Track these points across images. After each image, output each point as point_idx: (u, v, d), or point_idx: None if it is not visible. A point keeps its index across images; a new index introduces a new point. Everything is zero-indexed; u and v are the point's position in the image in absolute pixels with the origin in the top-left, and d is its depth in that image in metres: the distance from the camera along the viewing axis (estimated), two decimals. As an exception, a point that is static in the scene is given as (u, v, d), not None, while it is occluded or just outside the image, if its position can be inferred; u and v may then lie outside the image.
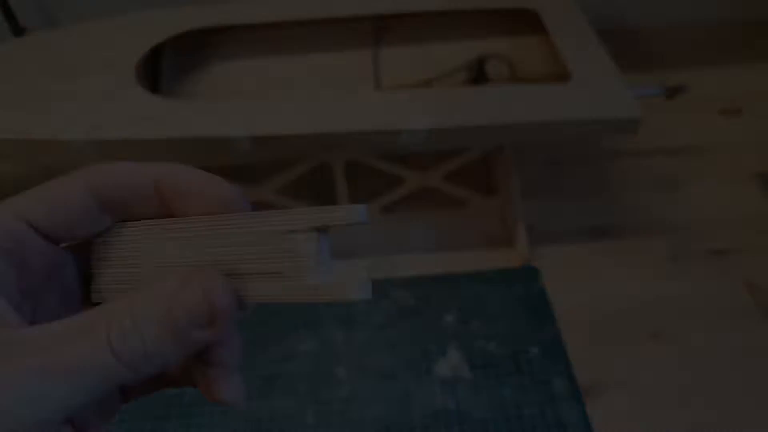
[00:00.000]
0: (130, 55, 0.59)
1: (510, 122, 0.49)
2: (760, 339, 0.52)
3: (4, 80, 0.57)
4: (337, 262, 0.20)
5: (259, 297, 0.20)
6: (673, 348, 0.52)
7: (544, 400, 0.48)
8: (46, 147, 0.51)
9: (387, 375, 0.50)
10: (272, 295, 0.20)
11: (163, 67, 0.67)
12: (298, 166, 0.58)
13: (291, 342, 0.53)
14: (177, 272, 0.19)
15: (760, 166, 0.67)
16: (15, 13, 0.74)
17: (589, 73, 0.54)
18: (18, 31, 0.75)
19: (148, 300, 0.18)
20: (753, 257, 0.58)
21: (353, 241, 0.61)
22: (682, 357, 0.51)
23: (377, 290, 0.26)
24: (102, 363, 0.16)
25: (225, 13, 0.66)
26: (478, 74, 0.65)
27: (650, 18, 0.89)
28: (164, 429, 0.48)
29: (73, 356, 0.16)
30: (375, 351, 0.52)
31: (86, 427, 0.19)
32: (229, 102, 0.60)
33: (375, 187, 0.62)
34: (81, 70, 0.57)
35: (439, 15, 0.69)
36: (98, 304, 0.19)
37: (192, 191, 0.20)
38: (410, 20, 0.70)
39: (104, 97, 0.53)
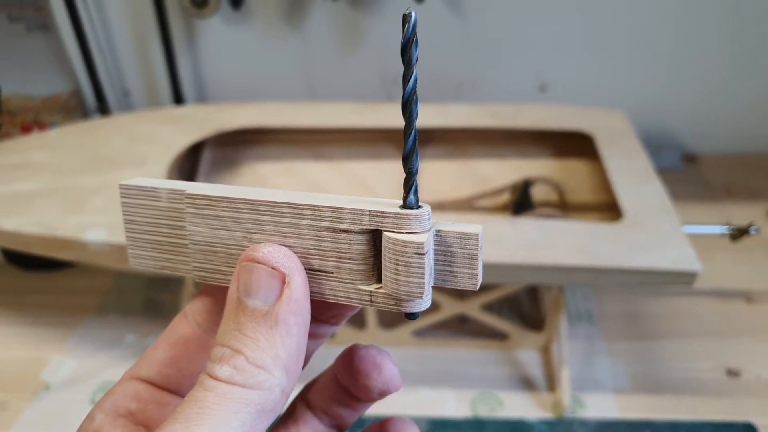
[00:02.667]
0: (166, 151, 0.59)
1: (550, 264, 0.44)
2: None
3: (50, 163, 0.57)
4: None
5: (311, 294, 0.19)
6: None
7: None
8: (67, 245, 0.50)
9: None
10: (320, 294, 0.19)
11: (202, 161, 0.67)
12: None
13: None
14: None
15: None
16: (106, 96, 0.81)
17: (643, 213, 0.49)
18: (104, 110, 0.81)
19: (225, 323, 0.18)
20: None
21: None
22: None
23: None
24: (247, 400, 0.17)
25: (270, 114, 0.66)
26: (523, 198, 0.62)
27: (712, 146, 0.85)
28: None
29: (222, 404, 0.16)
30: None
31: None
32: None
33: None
34: (117, 163, 0.57)
35: (486, 131, 0.67)
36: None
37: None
38: (455, 134, 0.68)
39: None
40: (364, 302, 0.19)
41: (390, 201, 0.18)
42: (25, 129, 0.82)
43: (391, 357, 0.22)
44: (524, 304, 0.61)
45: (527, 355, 0.57)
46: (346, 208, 0.18)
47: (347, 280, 0.19)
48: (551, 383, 0.54)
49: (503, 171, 0.67)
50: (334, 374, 0.23)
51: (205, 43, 0.80)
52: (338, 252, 0.18)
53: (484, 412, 0.52)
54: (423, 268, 0.17)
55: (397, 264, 0.18)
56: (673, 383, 0.54)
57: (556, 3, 0.75)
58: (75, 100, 0.83)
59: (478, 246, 0.18)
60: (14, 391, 0.54)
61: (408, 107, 0.17)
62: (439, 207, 0.64)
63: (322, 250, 0.19)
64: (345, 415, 0.23)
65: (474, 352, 0.57)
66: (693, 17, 0.75)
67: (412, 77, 0.17)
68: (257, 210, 0.19)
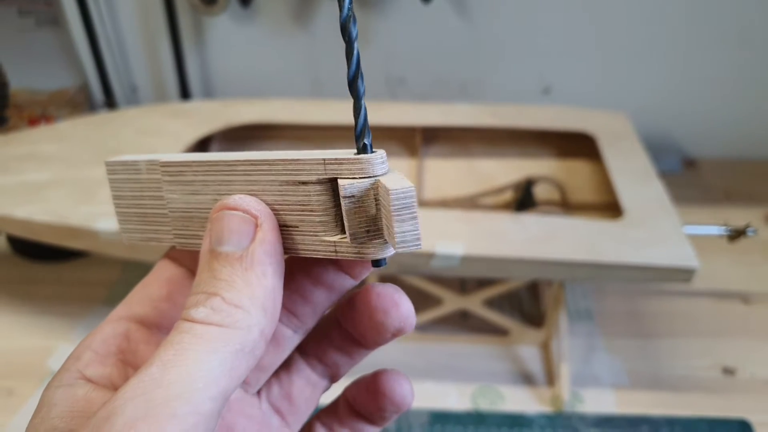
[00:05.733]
0: (174, 145, 0.60)
1: (552, 259, 0.45)
2: None
3: (61, 155, 0.58)
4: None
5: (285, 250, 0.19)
6: None
7: None
8: (79, 234, 0.51)
9: None
10: (292, 249, 0.19)
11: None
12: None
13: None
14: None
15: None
16: (113, 91, 0.82)
17: (643, 212, 0.50)
18: (111, 105, 0.82)
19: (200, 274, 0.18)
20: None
21: (373, 357, 0.57)
22: None
23: None
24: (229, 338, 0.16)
25: (278, 110, 0.67)
26: (525, 196, 0.63)
27: (713, 150, 0.86)
28: None
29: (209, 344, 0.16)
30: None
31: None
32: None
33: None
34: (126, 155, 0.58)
35: (490, 130, 0.68)
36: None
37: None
38: (459, 132, 0.69)
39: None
40: (329, 253, 0.19)
41: (346, 150, 0.18)
42: (33, 122, 0.83)
43: (407, 297, 0.21)
44: (525, 301, 0.62)
45: (527, 350, 0.58)
46: (302, 160, 0.18)
47: (312, 233, 0.19)
48: (551, 378, 0.55)
49: (506, 170, 0.68)
50: (336, 318, 0.22)
51: (214, 40, 0.81)
52: (300, 205, 0.18)
53: (485, 405, 0.53)
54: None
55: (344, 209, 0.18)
56: (670, 380, 0.55)
57: (560, 7, 0.76)
58: (82, 94, 0.84)
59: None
60: (21, 378, 0.55)
61: (347, 28, 0.17)
62: (442, 204, 0.65)
63: (287, 205, 0.19)
64: (341, 363, 0.23)
65: (475, 347, 0.58)
66: (695, 23, 0.76)
67: (354, 53, 0.17)
68: (222, 171, 0.19)
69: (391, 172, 0.18)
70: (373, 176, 0.17)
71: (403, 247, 0.17)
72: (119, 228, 0.23)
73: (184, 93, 0.82)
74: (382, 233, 0.18)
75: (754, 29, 0.76)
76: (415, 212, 0.17)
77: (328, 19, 0.77)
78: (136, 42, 0.82)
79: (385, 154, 0.18)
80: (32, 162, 0.58)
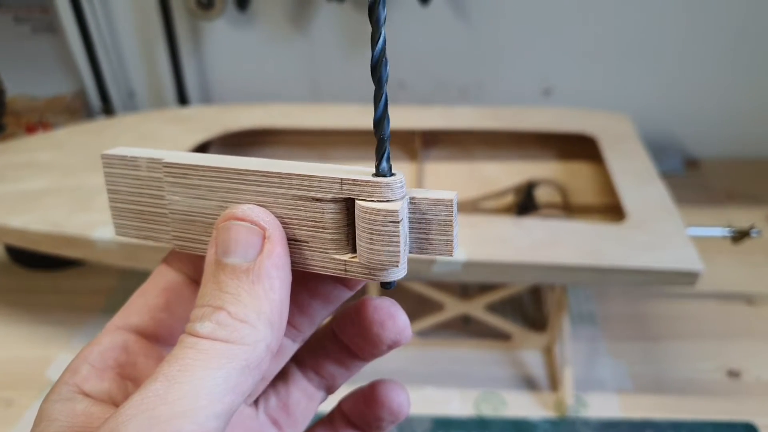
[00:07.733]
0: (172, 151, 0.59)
1: (554, 263, 0.45)
2: None
3: (57, 163, 0.57)
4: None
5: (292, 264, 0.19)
6: None
7: None
8: (75, 243, 0.50)
9: None
10: (300, 264, 0.19)
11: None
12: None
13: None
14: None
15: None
16: (110, 97, 0.82)
17: (646, 214, 0.50)
18: (108, 111, 0.82)
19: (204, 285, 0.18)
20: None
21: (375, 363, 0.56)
22: None
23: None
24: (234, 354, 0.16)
25: (276, 115, 0.66)
26: (527, 199, 0.62)
27: (715, 150, 0.86)
28: None
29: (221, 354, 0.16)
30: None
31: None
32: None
33: (412, 308, 0.58)
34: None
35: (490, 133, 0.67)
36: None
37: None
38: (459, 136, 0.69)
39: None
40: (339, 272, 0.18)
41: (363, 169, 0.18)
42: (30, 129, 0.82)
43: (402, 310, 0.21)
44: (527, 305, 0.62)
45: (530, 355, 0.57)
46: (317, 176, 0.18)
47: (322, 250, 0.18)
48: (554, 383, 0.54)
49: (507, 173, 0.67)
50: (332, 330, 0.22)
51: (211, 44, 0.81)
52: (312, 221, 0.18)
53: (488, 411, 0.52)
54: (398, 236, 0.17)
55: (371, 233, 0.17)
56: (674, 383, 0.54)
57: (560, 8, 0.76)
58: (80, 100, 0.84)
59: (452, 212, 0.17)
60: (20, 389, 0.55)
61: (377, 70, 0.17)
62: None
63: (297, 219, 0.18)
64: (337, 374, 0.23)
65: (477, 352, 0.58)
66: (696, 23, 0.76)
67: (381, 38, 0.16)
68: (231, 179, 0.19)
69: (413, 189, 0.18)
70: (392, 200, 0.17)
71: (456, 249, 0.18)
72: (113, 223, 0.22)
73: (182, 98, 0.81)
74: (413, 250, 0.18)
75: (755, 29, 0.76)
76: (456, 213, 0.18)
77: (326, 23, 0.77)
78: (132, 47, 0.82)
79: (404, 177, 0.17)
80: (29, 170, 0.57)
